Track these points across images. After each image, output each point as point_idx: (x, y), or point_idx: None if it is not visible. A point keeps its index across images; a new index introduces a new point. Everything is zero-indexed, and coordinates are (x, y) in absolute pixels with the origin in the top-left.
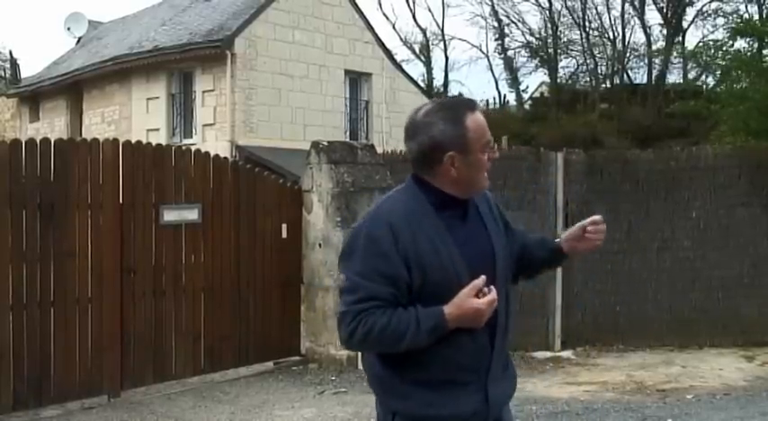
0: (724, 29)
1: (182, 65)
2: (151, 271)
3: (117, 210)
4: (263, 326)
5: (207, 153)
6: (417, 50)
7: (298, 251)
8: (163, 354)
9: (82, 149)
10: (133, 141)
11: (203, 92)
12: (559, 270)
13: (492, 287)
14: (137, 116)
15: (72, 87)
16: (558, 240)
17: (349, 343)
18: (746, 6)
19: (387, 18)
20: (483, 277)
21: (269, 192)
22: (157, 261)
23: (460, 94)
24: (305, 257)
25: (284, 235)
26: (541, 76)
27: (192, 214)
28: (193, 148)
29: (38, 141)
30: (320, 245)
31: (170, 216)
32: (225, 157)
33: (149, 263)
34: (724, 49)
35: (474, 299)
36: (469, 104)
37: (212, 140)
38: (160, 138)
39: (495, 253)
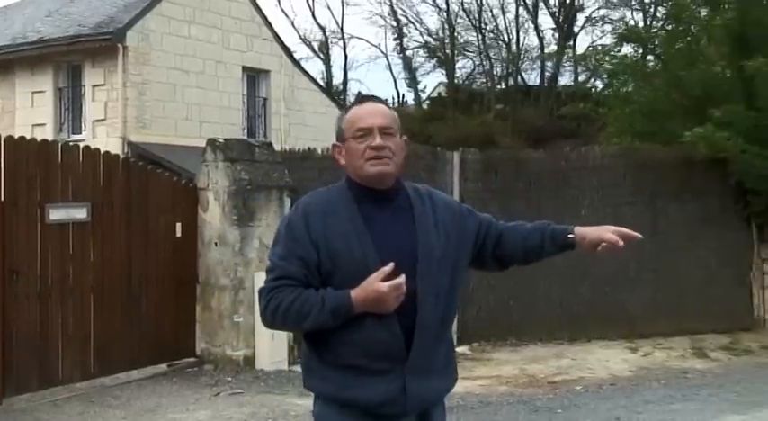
0: (611, 35)
1: (70, 58)
2: (36, 272)
3: None
4: (156, 328)
5: (96, 149)
6: (316, 48)
7: (193, 250)
8: (49, 359)
9: None
10: (16, 136)
11: (93, 86)
12: None
13: (402, 275)
14: (21, 110)
15: None
16: (571, 236)
17: (263, 318)
18: (632, 14)
19: (286, 15)
20: (392, 264)
21: (162, 190)
22: (43, 261)
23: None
24: (200, 256)
25: (178, 233)
26: (439, 76)
27: (80, 213)
28: (82, 145)
29: None
30: (216, 243)
31: (56, 215)
32: (116, 154)
33: (34, 263)
34: (611, 53)
35: (378, 282)
36: (361, 98)
37: (103, 137)
38: (47, 133)
39: (417, 248)
